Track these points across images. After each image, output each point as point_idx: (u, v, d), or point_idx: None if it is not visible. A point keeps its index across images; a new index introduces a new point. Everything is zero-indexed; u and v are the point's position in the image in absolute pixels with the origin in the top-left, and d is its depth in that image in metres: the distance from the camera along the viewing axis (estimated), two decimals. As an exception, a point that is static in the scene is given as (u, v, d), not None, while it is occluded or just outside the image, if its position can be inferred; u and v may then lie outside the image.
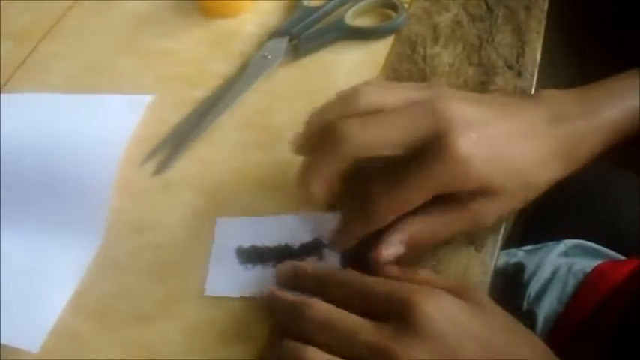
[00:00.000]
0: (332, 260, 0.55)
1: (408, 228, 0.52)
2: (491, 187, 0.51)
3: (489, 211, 0.53)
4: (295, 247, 0.56)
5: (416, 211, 0.51)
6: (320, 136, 0.52)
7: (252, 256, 0.56)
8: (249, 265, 0.56)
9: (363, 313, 0.47)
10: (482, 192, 0.51)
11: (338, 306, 0.48)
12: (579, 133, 0.53)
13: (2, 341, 0.54)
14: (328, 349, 0.46)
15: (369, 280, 0.50)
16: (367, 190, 0.51)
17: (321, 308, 0.48)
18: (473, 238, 0.56)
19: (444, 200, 0.51)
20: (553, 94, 0.55)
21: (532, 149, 0.52)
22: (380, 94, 0.52)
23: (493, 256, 0.56)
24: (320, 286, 0.51)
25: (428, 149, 0.48)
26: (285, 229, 0.57)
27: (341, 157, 0.50)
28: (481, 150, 0.49)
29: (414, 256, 0.54)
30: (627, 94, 0.56)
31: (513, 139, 0.51)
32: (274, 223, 0.58)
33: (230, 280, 0.55)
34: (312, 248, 0.56)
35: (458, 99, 0.51)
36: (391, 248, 0.52)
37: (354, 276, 0.51)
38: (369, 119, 0.50)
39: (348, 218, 0.54)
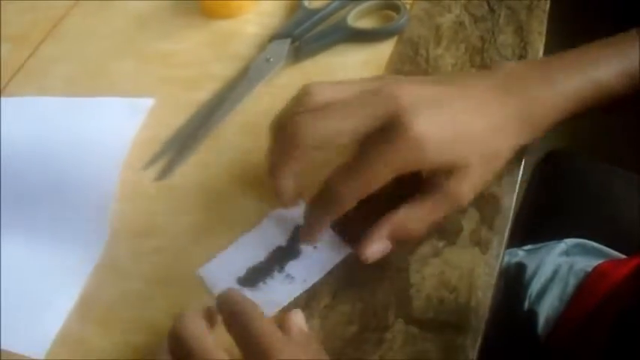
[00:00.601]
0: (333, 242, 0.56)
1: (390, 222, 0.53)
2: (455, 163, 0.52)
3: (463, 188, 0.54)
4: (285, 244, 0.57)
5: (396, 206, 0.53)
6: (279, 135, 0.53)
7: (256, 276, 0.56)
8: (260, 284, 0.56)
9: None
10: (449, 170, 0.53)
11: None
12: (536, 99, 0.56)
13: (8, 348, 0.54)
14: None
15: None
16: (329, 177, 0.53)
17: None
18: (478, 239, 0.56)
19: (420, 190, 0.53)
20: (512, 65, 0.58)
21: (488, 120, 0.54)
22: (333, 90, 0.53)
23: (498, 258, 0.56)
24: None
25: (384, 132, 0.50)
26: (267, 235, 0.58)
27: (299, 150, 0.52)
28: (436, 128, 0.51)
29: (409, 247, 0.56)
30: (588, 65, 0.58)
31: (468, 113, 0.53)
32: (255, 237, 0.58)
33: None
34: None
35: (410, 82, 0.54)
36: (375, 245, 0.53)
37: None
38: (322, 110, 0.51)
39: (313, 208, 0.55)
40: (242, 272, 0.56)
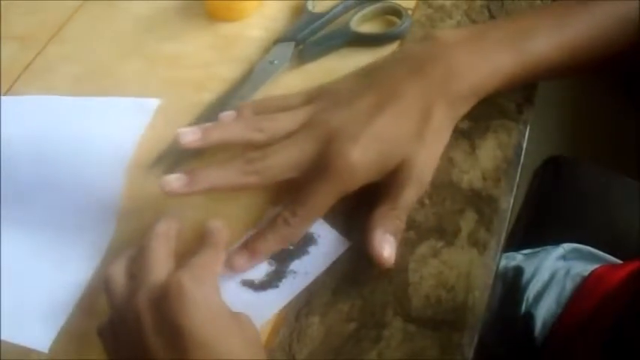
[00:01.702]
0: (332, 236, 0.58)
1: (377, 222, 0.56)
2: (394, 166, 0.57)
3: (414, 174, 0.57)
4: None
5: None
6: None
7: (264, 282, 0.57)
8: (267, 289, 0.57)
9: None
10: (394, 170, 0.57)
11: None
12: (460, 68, 0.58)
13: (13, 341, 0.55)
14: None
15: None
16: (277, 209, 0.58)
17: None
18: (476, 240, 0.57)
19: (382, 186, 0.57)
20: (443, 34, 0.61)
21: (414, 110, 0.58)
22: (273, 122, 0.59)
23: (495, 258, 0.57)
24: None
25: (318, 164, 0.56)
26: None
27: (256, 186, 0.58)
28: (363, 150, 0.55)
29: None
30: (524, 35, 0.60)
31: (394, 116, 0.57)
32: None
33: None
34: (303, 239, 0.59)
35: (335, 107, 0.58)
36: (386, 246, 0.55)
37: None
38: (266, 154, 0.57)
39: (260, 236, 0.58)
40: (248, 275, 0.57)
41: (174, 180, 0.56)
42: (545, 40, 0.60)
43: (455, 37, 0.61)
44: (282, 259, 0.57)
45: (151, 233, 0.55)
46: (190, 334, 0.46)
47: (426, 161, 0.58)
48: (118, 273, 0.53)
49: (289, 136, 0.58)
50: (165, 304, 0.47)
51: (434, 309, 0.54)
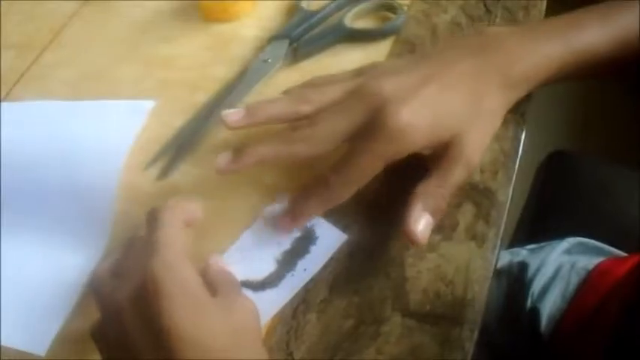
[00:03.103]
0: (329, 231, 0.57)
1: (420, 197, 0.54)
2: (445, 139, 0.55)
3: (465, 152, 0.55)
4: (290, 247, 0.58)
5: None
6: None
7: (265, 283, 0.56)
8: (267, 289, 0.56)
9: None
10: (445, 144, 0.55)
11: None
12: (514, 58, 0.58)
13: (10, 344, 0.55)
14: None
15: None
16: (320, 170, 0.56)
17: None
18: (474, 233, 0.57)
19: (429, 165, 0.56)
20: (495, 29, 0.62)
21: (468, 89, 0.56)
22: (320, 94, 0.58)
23: (494, 251, 0.56)
24: None
25: (368, 128, 0.54)
26: (265, 233, 0.59)
27: (303, 155, 0.56)
28: (415, 115, 0.53)
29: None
30: (572, 29, 0.60)
31: (447, 90, 0.56)
32: (254, 236, 0.59)
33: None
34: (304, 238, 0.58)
35: (385, 76, 0.56)
36: (421, 222, 0.54)
37: None
38: (314, 121, 0.55)
39: (301, 198, 0.57)
40: (247, 276, 0.56)
41: (223, 158, 0.56)
42: (595, 33, 0.60)
43: (505, 29, 0.61)
44: (287, 261, 0.57)
45: (136, 231, 0.54)
46: (171, 330, 0.45)
47: (476, 142, 0.56)
48: (103, 274, 0.52)
49: (338, 103, 0.56)
50: (143, 302, 0.46)
51: (432, 303, 0.54)
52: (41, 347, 0.55)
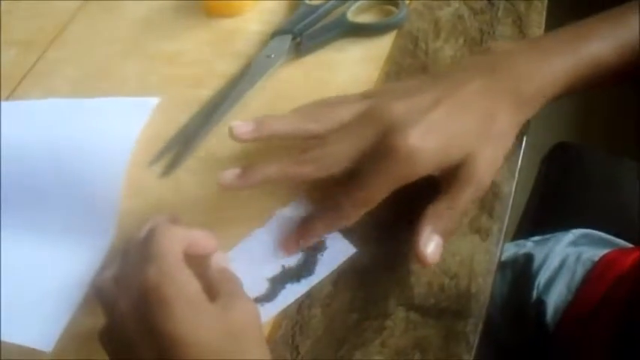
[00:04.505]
0: (339, 243, 0.57)
1: (431, 217, 0.54)
2: (455, 162, 0.54)
3: (477, 173, 0.55)
4: (295, 265, 0.57)
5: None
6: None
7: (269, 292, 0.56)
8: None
9: None
10: (456, 165, 0.54)
11: None
12: (526, 75, 0.57)
13: (16, 341, 0.55)
14: None
15: None
16: (331, 191, 0.56)
17: None
18: (478, 227, 0.57)
19: (442, 186, 0.55)
20: (503, 45, 0.61)
21: (480, 110, 0.56)
22: (330, 114, 0.57)
23: (498, 245, 0.56)
24: None
25: (378, 151, 0.53)
26: (270, 237, 0.59)
27: (311, 177, 0.56)
28: (425, 139, 0.53)
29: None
30: (582, 40, 0.59)
31: (458, 112, 0.55)
32: (260, 239, 0.59)
33: None
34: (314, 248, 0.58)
35: (395, 99, 0.56)
36: (431, 244, 0.53)
37: None
38: (323, 142, 0.55)
39: (312, 218, 0.57)
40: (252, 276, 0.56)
41: (229, 174, 0.56)
42: (605, 43, 0.59)
43: (512, 46, 0.61)
44: (291, 269, 0.57)
45: (136, 236, 0.54)
46: (171, 336, 0.45)
47: (488, 162, 0.56)
48: (105, 283, 0.52)
49: (347, 125, 0.56)
50: (144, 310, 0.46)
51: (437, 297, 0.54)
52: (47, 344, 0.55)
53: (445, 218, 0.54)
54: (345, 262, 0.56)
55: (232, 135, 0.58)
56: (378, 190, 0.54)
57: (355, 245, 0.57)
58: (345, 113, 0.57)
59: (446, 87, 0.56)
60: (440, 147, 0.53)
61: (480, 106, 0.56)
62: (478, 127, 0.55)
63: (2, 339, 0.56)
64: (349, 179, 0.55)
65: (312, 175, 0.55)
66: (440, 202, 0.54)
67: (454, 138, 0.54)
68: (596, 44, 0.59)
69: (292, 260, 0.57)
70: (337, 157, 0.55)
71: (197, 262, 0.52)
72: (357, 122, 0.56)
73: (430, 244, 0.53)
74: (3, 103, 0.71)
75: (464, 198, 0.55)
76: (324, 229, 0.57)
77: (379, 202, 0.54)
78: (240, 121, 0.57)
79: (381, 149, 0.53)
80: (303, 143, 0.57)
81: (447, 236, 0.54)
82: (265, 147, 0.63)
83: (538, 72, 0.57)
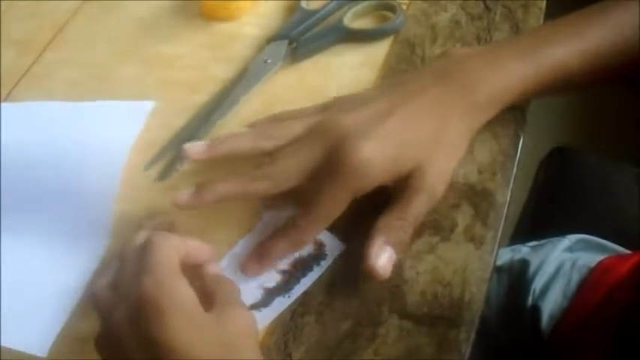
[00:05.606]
0: (328, 240, 0.57)
1: (381, 230, 0.54)
2: (407, 171, 0.55)
3: (427, 183, 0.55)
4: (288, 269, 0.57)
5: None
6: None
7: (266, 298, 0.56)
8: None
9: None
10: (407, 175, 0.55)
11: None
12: (480, 82, 0.57)
13: (11, 346, 0.55)
14: None
15: None
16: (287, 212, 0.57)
17: None
18: (472, 235, 0.57)
19: (392, 195, 0.56)
20: (460, 52, 0.61)
21: (431, 118, 0.56)
22: (284, 129, 0.58)
23: (492, 253, 0.56)
24: None
25: (329, 166, 0.54)
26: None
27: (265, 193, 0.56)
28: (374, 150, 0.53)
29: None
30: (542, 46, 0.59)
31: (409, 122, 0.55)
32: (251, 242, 0.59)
33: None
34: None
35: (344, 111, 0.56)
36: (382, 256, 0.53)
37: None
38: (275, 158, 0.56)
39: (270, 240, 0.57)
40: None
41: (184, 194, 0.56)
42: (564, 49, 0.59)
43: (469, 51, 0.61)
44: (290, 282, 0.57)
45: (131, 243, 0.54)
46: (166, 346, 0.45)
47: (440, 171, 0.56)
48: (101, 291, 0.52)
49: (298, 141, 0.57)
50: (138, 320, 0.46)
51: (430, 305, 0.54)
52: (43, 349, 0.55)
53: (396, 229, 0.54)
54: (338, 265, 0.57)
55: (186, 156, 0.59)
56: (332, 205, 0.54)
57: (348, 252, 0.57)
58: (298, 128, 0.57)
59: (399, 96, 0.57)
60: (390, 157, 0.54)
61: (431, 115, 0.56)
62: (428, 135, 0.56)
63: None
64: (302, 196, 0.55)
65: (266, 191, 0.55)
66: (390, 213, 0.55)
67: (404, 148, 0.55)
68: (557, 50, 0.58)
69: (285, 264, 0.57)
70: (289, 172, 0.55)
71: (193, 271, 0.52)
72: (307, 137, 0.56)
73: (382, 257, 0.53)
74: (1, 104, 0.71)
75: (415, 208, 0.55)
76: (284, 250, 0.57)
77: (337, 215, 0.55)
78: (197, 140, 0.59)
79: (332, 162, 0.53)
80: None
81: (399, 247, 0.54)
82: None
83: (491, 76, 0.58)
